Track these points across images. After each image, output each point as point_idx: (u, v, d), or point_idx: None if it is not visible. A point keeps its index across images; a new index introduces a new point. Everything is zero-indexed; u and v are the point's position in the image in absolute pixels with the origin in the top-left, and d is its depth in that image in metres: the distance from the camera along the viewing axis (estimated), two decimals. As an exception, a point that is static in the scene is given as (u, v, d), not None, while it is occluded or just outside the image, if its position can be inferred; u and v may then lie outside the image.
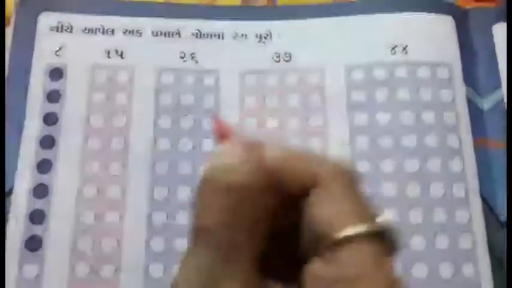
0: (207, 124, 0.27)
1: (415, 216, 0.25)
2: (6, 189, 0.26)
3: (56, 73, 0.28)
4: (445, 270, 0.24)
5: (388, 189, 0.26)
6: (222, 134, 0.16)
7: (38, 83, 0.28)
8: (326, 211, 0.14)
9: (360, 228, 0.13)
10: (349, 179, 0.15)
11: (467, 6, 0.30)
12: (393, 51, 0.28)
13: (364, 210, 0.14)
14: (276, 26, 0.29)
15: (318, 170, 0.14)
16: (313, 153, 0.16)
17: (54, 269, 0.24)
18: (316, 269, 0.14)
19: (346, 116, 0.27)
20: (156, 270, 0.25)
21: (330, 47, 0.28)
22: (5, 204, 0.25)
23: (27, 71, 0.28)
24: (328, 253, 0.13)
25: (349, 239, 0.13)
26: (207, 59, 0.28)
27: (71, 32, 0.29)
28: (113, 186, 0.26)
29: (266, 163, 0.14)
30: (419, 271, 0.24)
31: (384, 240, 0.14)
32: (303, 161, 0.15)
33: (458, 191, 0.26)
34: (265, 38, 0.29)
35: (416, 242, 0.25)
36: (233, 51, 0.28)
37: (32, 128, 0.27)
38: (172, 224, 0.25)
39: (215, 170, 0.14)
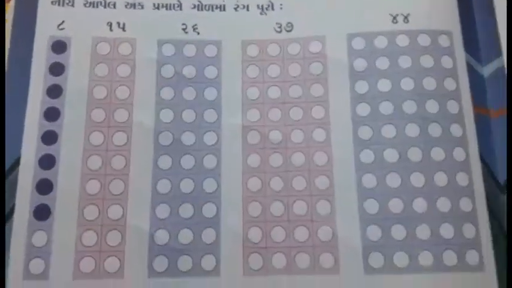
0: (210, 94, 0.27)
1: (417, 180, 0.26)
2: (13, 160, 0.26)
3: (59, 46, 0.28)
4: (447, 232, 0.25)
5: (390, 154, 0.26)
6: None
7: (41, 57, 0.28)
8: None
9: None
10: None
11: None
12: (394, 20, 0.28)
13: None
14: (277, -4, 0.29)
15: None
16: None
17: (62, 237, 0.25)
18: None
19: (347, 83, 0.27)
20: (162, 236, 0.25)
21: (331, 16, 0.28)
22: (13, 175, 0.26)
23: (29, 45, 0.28)
24: None
25: None
26: (209, 31, 0.28)
27: (72, 5, 0.29)
28: (117, 157, 0.26)
29: None
30: (422, 232, 0.25)
31: None
32: None
33: (458, 155, 0.26)
34: (266, 8, 0.29)
35: (419, 205, 0.25)
36: (235, 22, 0.29)
37: (36, 100, 0.27)
38: (176, 192, 0.26)
39: None
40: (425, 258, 0.25)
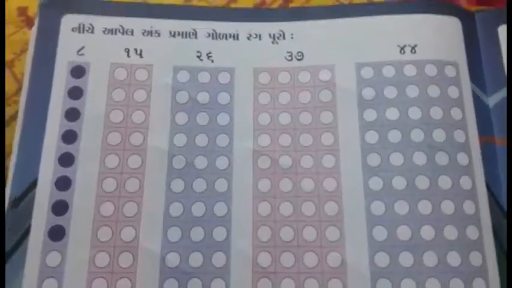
0: (222, 120, 0.28)
1: (424, 208, 0.26)
2: (31, 181, 0.27)
3: (78, 71, 0.29)
4: (454, 259, 0.25)
5: (398, 182, 0.27)
6: None
7: (60, 81, 0.29)
8: None
9: None
10: None
11: (473, 9, 0.31)
12: (402, 51, 0.29)
13: None
14: (288, 26, 0.30)
15: None
16: None
17: (75, 258, 0.25)
18: None
19: (356, 111, 0.28)
20: (173, 259, 0.26)
21: (340, 46, 0.29)
22: (30, 196, 0.26)
23: (50, 69, 0.29)
24: None
25: None
26: (223, 58, 0.30)
27: (92, 32, 0.30)
28: (131, 179, 0.27)
29: None
30: (429, 260, 0.25)
31: None
32: None
33: (465, 183, 0.27)
34: (278, 38, 0.30)
35: (426, 233, 0.26)
36: (247, 51, 0.30)
37: (55, 123, 0.28)
38: (188, 216, 0.26)
39: None
40: (433, 286, 0.25)
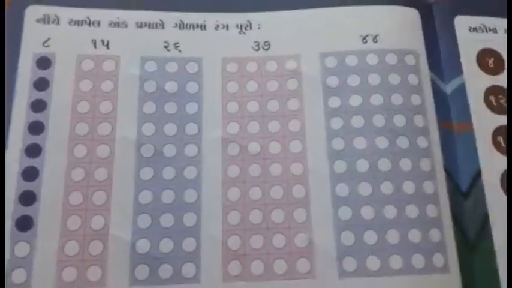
0: (191, 109, 0.29)
1: (387, 189, 0.27)
2: (-4, 172, 0.26)
3: (44, 62, 0.29)
4: (415, 236, 0.26)
5: (362, 164, 0.28)
6: None
7: (26, 72, 0.28)
8: None
9: None
10: None
11: (431, 0, 0.32)
12: (364, 40, 0.30)
13: None
14: (255, 17, 0.31)
15: None
16: None
17: (44, 247, 0.25)
18: None
19: (321, 99, 0.29)
20: (143, 245, 0.26)
21: (305, 36, 0.30)
22: (-5, 186, 0.26)
23: (15, 61, 0.29)
24: None
25: None
26: (190, 49, 0.30)
27: (57, 23, 0.30)
28: (100, 169, 0.27)
29: None
30: (392, 237, 0.26)
31: None
32: None
33: (425, 165, 0.28)
34: (245, 28, 0.31)
35: (389, 212, 0.27)
36: (215, 41, 0.30)
37: (21, 115, 0.28)
38: (157, 203, 0.27)
39: None
40: (396, 262, 0.26)
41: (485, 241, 0.27)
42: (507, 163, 0.28)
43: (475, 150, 0.28)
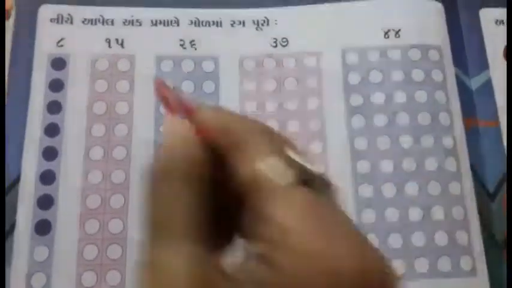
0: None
1: (412, 189, 0.26)
2: (14, 177, 0.26)
3: (59, 63, 0.28)
4: (441, 239, 0.25)
5: (385, 165, 0.27)
6: (162, 98, 0.17)
7: (40, 73, 0.28)
8: (246, 159, 0.14)
9: (286, 176, 0.14)
10: (270, 136, 0.15)
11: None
12: (386, 35, 0.29)
13: (289, 161, 0.14)
14: (272, 12, 0.30)
15: (239, 128, 0.15)
16: (239, 115, 0.16)
17: (63, 251, 0.25)
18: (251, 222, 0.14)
19: (342, 97, 0.28)
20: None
21: (325, 31, 0.29)
22: (14, 191, 0.26)
23: (29, 62, 0.28)
24: (258, 203, 0.14)
25: (277, 188, 0.14)
26: (206, 46, 0.29)
27: (71, 23, 0.29)
28: (117, 171, 0.27)
29: (200, 126, 0.15)
30: (418, 240, 0.25)
31: (314, 188, 0.14)
32: (229, 120, 0.16)
33: (450, 165, 0.27)
34: (262, 24, 0.30)
35: (414, 214, 0.26)
36: (231, 38, 0.29)
37: (36, 117, 0.27)
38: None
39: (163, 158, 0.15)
40: (421, 265, 0.25)
41: (514, 243, 0.26)
42: (507, 164, 0.27)
43: (501, 148, 0.27)
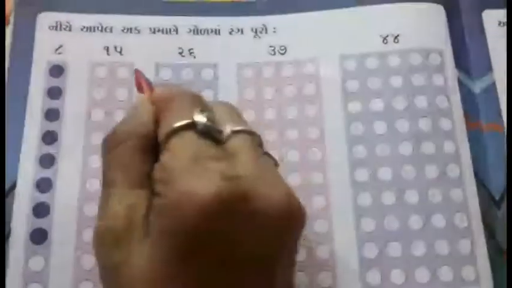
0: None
1: (412, 197, 0.26)
2: (10, 184, 0.26)
3: (57, 70, 0.28)
4: (442, 248, 0.25)
5: (384, 172, 0.26)
6: (139, 86, 0.23)
7: (38, 81, 0.28)
8: (163, 122, 0.20)
9: (182, 122, 0.18)
10: (191, 97, 0.21)
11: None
12: (385, 40, 0.29)
13: (191, 113, 0.19)
14: (270, 20, 0.30)
15: (167, 95, 0.21)
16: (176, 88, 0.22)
17: (60, 260, 0.25)
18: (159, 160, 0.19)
19: (341, 104, 0.28)
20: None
21: (323, 39, 0.29)
22: (9, 199, 0.26)
23: (27, 69, 0.28)
24: (164, 145, 0.19)
25: (175, 131, 0.18)
26: (205, 54, 0.29)
27: (69, 30, 0.29)
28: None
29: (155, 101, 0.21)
30: (418, 249, 0.25)
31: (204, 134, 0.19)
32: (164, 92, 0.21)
33: (452, 171, 0.26)
34: (260, 32, 0.30)
35: (414, 222, 0.25)
36: (230, 46, 0.29)
37: (34, 124, 0.27)
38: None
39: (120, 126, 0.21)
40: (422, 275, 0.25)
41: (521, 253, 0.25)
42: (507, 164, 0.26)
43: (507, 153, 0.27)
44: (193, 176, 0.17)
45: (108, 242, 0.18)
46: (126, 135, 0.20)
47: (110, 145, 0.20)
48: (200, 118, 0.19)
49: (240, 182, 0.17)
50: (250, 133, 0.20)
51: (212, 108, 0.20)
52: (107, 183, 0.20)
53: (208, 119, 0.19)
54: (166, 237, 0.17)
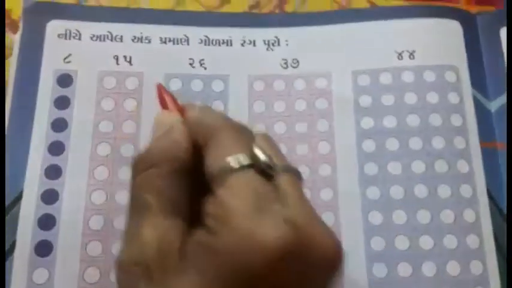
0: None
1: (423, 217, 0.25)
2: (16, 194, 0.26)
3: (65, 79, 0.28)
4: (453, 269, 0.24)
5: (396, 191, 0.26)
6: (163, 102, 0.21)
7: (46, 90, 0.28)
8: (214, 153, 0.18)
9: (241, 158, 0.17)
10: (236, 130, 0.19)
11: (473, 10, 0.30)
12: (400, 56, 0.28)
13: (244, 146, 0.17)
14: (283, 32, 0.29)
15: (213, 123, 0.19)
16: (217, 113, 0.20)
17: (64, 274, 0.24)
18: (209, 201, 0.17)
19: (353, 120, 0.27)
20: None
21: (336, 53, 0.29)
22: (15, 209, 0.25)
23: (35, 78, 0.28)
24: (214, 184, 0.17)
25: (228, 170, 0.17)
26: (216, 66, 0.29)
27: (79, 39, 0.29)
28: (121, 192, 0.26)
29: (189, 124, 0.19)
30: (428, 270, 0.24)
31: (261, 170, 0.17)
32: (206, 118, 0.19)
33: (465, 191, 0.26)
34: (273, 44, 0.29)
35: (425, 242, 0.25)
36: (241, 58, 0.29)
37: (41, 134, 0.27)
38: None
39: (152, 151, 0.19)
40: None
41: (535, 275, 0.24)
42: (507, 165, 0.26)
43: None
44: (257, 220, 0.16)
45: (136, 272, 0.17)
46: (160, 157, 0.18)
47: (142, 166, 0.18)
48: (261, 155, 0.17)
49: (299, 228, 0.16)
50: (296, 171, 0.18)
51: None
52: (138, 208, 0.18)
53: (266, 155, 0.17)
54: (219, 278, 0.16)
